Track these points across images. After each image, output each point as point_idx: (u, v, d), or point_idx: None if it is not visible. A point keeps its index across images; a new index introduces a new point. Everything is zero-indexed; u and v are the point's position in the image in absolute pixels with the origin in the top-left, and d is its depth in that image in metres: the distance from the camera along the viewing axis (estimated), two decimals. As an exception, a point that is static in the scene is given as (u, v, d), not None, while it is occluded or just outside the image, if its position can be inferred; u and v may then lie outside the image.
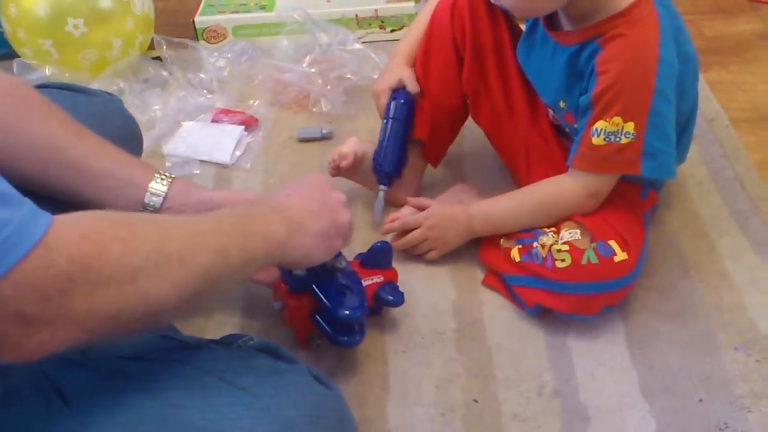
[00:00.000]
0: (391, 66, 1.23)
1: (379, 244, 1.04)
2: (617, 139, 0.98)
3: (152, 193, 0.96)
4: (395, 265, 1.07)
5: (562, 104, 1.08)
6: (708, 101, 1.44)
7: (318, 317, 0.95)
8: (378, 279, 1.02)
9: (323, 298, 0.93)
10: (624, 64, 0.96)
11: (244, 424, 0.72)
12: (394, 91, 1.20)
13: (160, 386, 0.75)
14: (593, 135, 0.99)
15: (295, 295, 0.95)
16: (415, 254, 1.15)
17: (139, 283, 0.65)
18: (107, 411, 0.72)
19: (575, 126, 1.05)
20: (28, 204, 0.60)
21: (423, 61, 1.19)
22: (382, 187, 1.20)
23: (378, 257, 1.04)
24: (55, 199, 0.95)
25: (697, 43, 1.57)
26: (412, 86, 1.19)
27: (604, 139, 0.99)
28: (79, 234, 0.63)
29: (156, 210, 0.97)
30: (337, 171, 1.20)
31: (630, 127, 0.97)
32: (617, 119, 0.97)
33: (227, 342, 0.84)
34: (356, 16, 1.70)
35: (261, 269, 0.89)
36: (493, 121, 1.21)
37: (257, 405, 0.74)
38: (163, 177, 0.98)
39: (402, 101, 1.19)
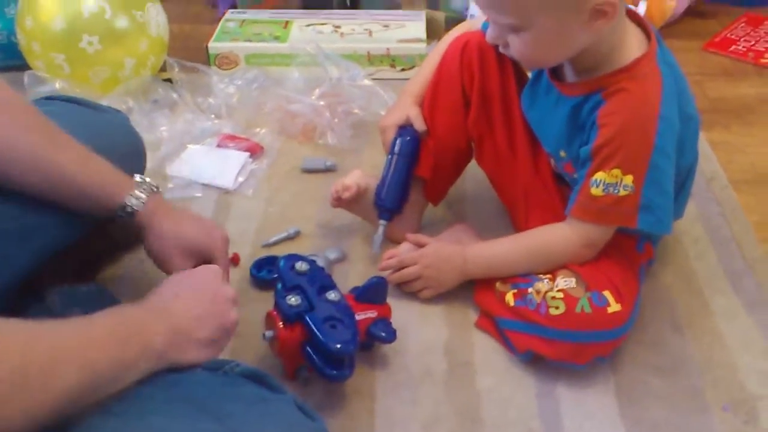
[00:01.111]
0: (400, 103, 1.25)
1: (374, 279, 1.05)
2: (616, 191, 0.99)
3: (133, 196, 0.99)
4: (390, 301, 1.07)
5: (562, 154, 1.09)
6: (708, 160, 1.46)
7: (309, 349, 0.95)
8: (371, 314, 1.02)
9: (315, 329, 0.93)
10: (625, 118, 0.98)
11: None
12: (401, 128, 1.21)
13: (144, 409, 0.74)
14: (592, 186, 1.00)
15: (288, 326, 0.95)
16: (409, 292, 1.15)
17: None
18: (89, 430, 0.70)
19: (575, 176, 1.06)
20: None
21: (431, 101, 1.21)
22: (382, 221, 1.21)
23: (373, 293, 1.04)
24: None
25: (700, 104, 1.60)
26: (419, 125, 1.21)
27: (603, 190, 1.00)
28: None
29: (133, 211, 0.99)
30: (339, 202, 1.21)
31: (629, 180, 0.98)
32: (616, 171, 0.98)
33: (214, 367, 0.83)
34: (368, 53, 1.72)
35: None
36: (496, 165, 1.22)
37: None
38: (144, 188, 1.00)
39: (408, 138, 1.20)
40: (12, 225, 0.94)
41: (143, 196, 0.99)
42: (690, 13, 1.99)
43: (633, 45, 1.00)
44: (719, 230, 1.30)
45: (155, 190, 1.02)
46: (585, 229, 1.04)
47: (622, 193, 0.99)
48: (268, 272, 1.16)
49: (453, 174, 1.27)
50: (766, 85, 1.74)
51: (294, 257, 1.04)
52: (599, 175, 1.00)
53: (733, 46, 1.88)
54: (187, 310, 0.85)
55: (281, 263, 1.02)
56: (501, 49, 1.03)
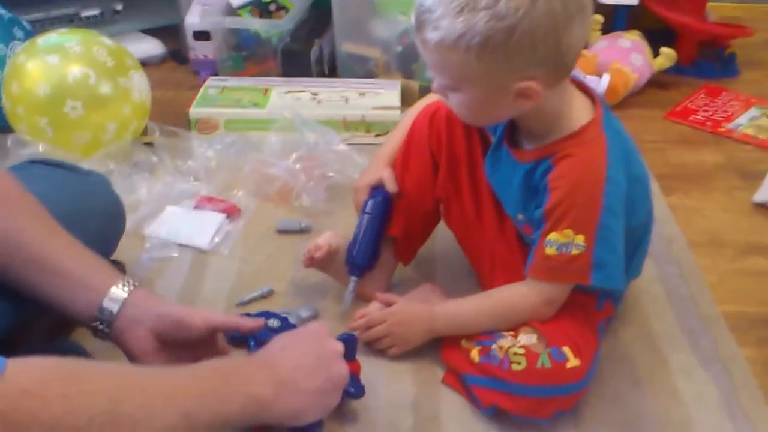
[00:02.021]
0: (373, 165, 1.30)
1: (344, 335, 1.08)
2: (569, 250, 1.04)
3: (111, 299, 0.95)
4: (359, 357, 1.10)
5: (520, 216, 1.15)
6: (668, 223, 1.52)
7: None
8: None
9: None
10: (574, 181, 1.04)
11: None
12: (373, 188, 1.27)
13: None
14: (547, 246, 1.06)
15: None
16: (378, 349, 1.19)
17: None
18: None
19: (532, 237, 1.11)
20: None
21: (402, 164, 1.27)
22: (353, 278, 1.25)
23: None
24: (22, 297, 0.96)
25: (662, 170, 1.69)
26: (391, 186, 1.26)
27: (557, 249, 1.05)
28: (20, 389, 0.60)
29: (112, 317, 0.95)
30: (311, 262, 1.25)
31: (580, 239, 1.04)
32: (568, 231, 1.04)
33: None
34: (344, 119, 1.79)
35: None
36: (463, 226, 1.27)
37: None
38: (126, 283, 0.97)
39: (380, 199, 1.25)
40: None
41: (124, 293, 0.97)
42: (652, 84, 2.07)
43: (579, 112, 1.06)
44: (678, 290, 1.35)
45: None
46: (543, 288, 1.09)
47: (575, 251, 1.04)
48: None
49: (423, 234, 1.32)
50: (723, 153, 1.82)
51: (268, 314, 1.08)
52: (552, 236, 1.05)
53: (693, 116, 1.97)
54: (292, 361, 0.86)
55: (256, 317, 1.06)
56: (444, 101, 1.10)
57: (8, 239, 0.93)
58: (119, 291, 0.96)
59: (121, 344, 0.96)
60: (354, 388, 1.05)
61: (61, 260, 0.94)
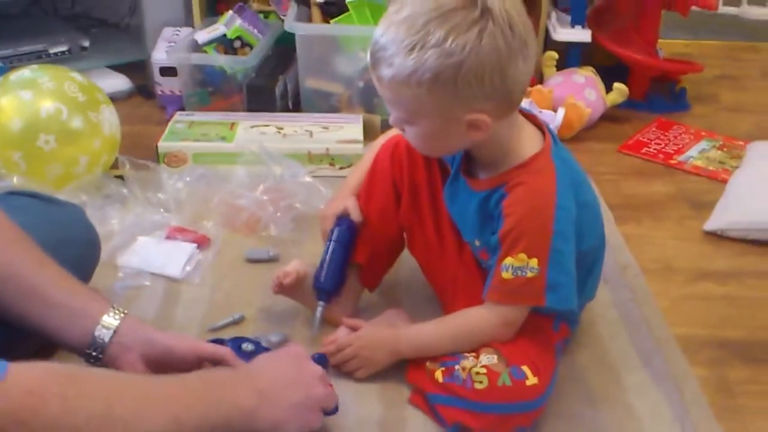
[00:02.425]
0: (339, 195, 1.35)
1: (316, 356, 1.13)
2: (523, 273, 1.10)
3: (103, 326, 0.99)
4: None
5: (477, 243, 1.21)
6: (622, 251, 1.59)
7: None
8: None
9: None
10: (526, 208, 1.10)
11: None
12: (339, 217, 1.31)
13: None
14: (503, 270, 1.11)
15: None
16: (345, 371, 1.22)
17: None
18: None
19: (489, 262, 1.17)
20: None
21: (366, 194, 1.32)
22: (320, 303, 1.29)
23: None
24: (6, 322, 1.00)
25: (615, 200, 1.77)
26: (356, 215, 1.31)
27: (512, 273, 1.10)
28: (23, 389, 0.65)
29: (104, 344, 0.99)
30: (280, 288, 1.29)
31: (534, 262, 1.09)
32: (522, 255, 1.09)
33: None
34: (309, 152, 1.84)
35: None
36: (426, 253, 1.33)
37: None
38: (116, 312, 1.01)
39: (345, 227, 1.30)
40: None
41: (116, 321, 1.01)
42: (606, 118, 2.16)
43: (529, 143, 1.13)
44: (631, 314, 1.41)
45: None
46: (501, 311, 1.14)
47: (530, 274, 1.10)
48: None
49: (388, 261, 1.37)
50: (674, 184, 1.90)
51: (241, 339, 1.12)
52: (508, 260, 1.10)
53: (645, 148, 2.06)
54: (273, 375, 0.92)
55: (228, 344, 1.10)
56: (402, 133, 1.16)
57: (4, 272, 0.97)
58: (111, 319, 1.00)
59: (113, 369, 0.99)
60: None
61: (52, 290, 0.99)
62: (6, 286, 0.97)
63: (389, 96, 1.07)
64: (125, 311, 1.02)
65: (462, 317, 1.19)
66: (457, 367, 1.14)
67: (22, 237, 1.01)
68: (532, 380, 1.11)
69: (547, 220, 1.09)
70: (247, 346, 1.09)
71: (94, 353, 1.00)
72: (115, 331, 0.99)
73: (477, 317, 1.17)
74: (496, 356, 1.13)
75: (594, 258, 1.24)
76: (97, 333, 0.99)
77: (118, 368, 0.99)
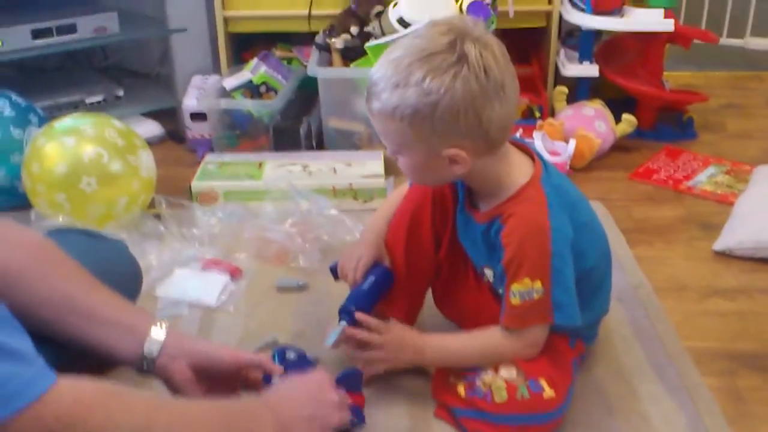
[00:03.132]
0: (375, 242, 1.35)
1: (350, 370, 1.20)
2: (531, 297, 1.17)
3: (152, 340, 1.09)
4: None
5: (487, 270, 1.28)
6: (634, 272, 1.67)
7: None
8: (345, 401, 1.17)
9: None
10: (521, 236, 1.16)
11: None
12: (377, 262, 1.33)
13: None
14: (511, 297, 1.18)
15: None
16: (364, 358, 1.26)
17: None
18: None
19: (500, 291, 1.23)
20: (39, 363, 0.72)
21: (406, 246, 1.34)
22: (342, 323, 1.27)
23: (347, 381, 1.19)
24: (65, 343, 1.09)
25: (626, 224, 1.84)
26: (388, 262, 1.35)
27: (520, 298, 1.17)
28: (72, 398, 0.73)
29: (155, 356, 1.09)
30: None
31: (538, 284, 1.16)
32: (527, 280, 1.16)
33: None
34: (333, 187, 1.93)
35: None
36: (447, 284, 1.39)
37: None
38: (162, 326, 1.11)
39: (385, 270, 1.33)
40: None
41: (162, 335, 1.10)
42: (616, 148, 2.24)
43: (519, 173, 1.20)
44: (645, 330, 1.48)
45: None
46: (521, 334, 1.21)
47: (536, 296, 1.17)
48: None
49: (423, 298, 1.41)
50: (684, 208, 1.97)
51: (286, 348, 1.22)
52: (514, 287, 1.17)
53: (655, 175, 2.13)
54: (296, 409, 1.00)
55: (275, 352, 1.21)
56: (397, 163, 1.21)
57: (62, 297, 1.07)
58: (159, 332, 1.10)
59: (165, 377, 1.10)
60: (357, 418, 1.17)
61: (105, 311, 1.09)
62: (65, 309, 1.07)
63: (379, 128, 1.16)
64: (169, 323, 1.13)
65: (489, 337, 1.24)
66: (478, 381, 1.21)
67: (76, 266, 1.11)
68: (549, 393, 1.18)
69: (544, 243, 1.16)
70: (290, 355, 1.18)
71: (145, 365, 1.10)
72: (163, 344, 1.09)
73: (500, 339, 1.22)
74: (514, 370, 1.20)
75: (601, 274, 1.31)
76: (146, 347, 1.09)
77: (169, 376, 1.09)
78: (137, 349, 1.09)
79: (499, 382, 1.19)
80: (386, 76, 1.10)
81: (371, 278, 1.32)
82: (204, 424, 0.86)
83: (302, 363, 1.19)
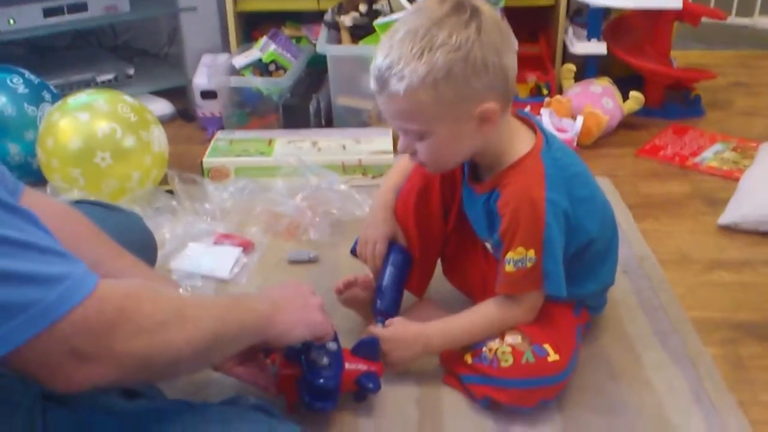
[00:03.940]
0: (383, 221, 1.38)
1: (368, 338, 1.24)
2: (524, 265, 1.19)
3: None
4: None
5: (489, 241, 1.30)
6: (640, 244, 1.69)
7: (301, 383, 1.14)
8: (362, 367, 1.20)
9: (306, 367, 1.12)
10: (515, 205, 1.19)
11: None
12: (392, 243, 1.36)
13: (168, 419, 0.92)
14: (506, 264, 1.21)
15: (288, 363, 1.15)
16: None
17: (163, 334, 0.84)
18: None
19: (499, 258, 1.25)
20: (82, 264, 0.79)
21: (416, 222, 1.37)
22: (380, 320, 1.31)
23: (364, 349, 1.22)
24: None
25: (633, 200, 1.87)
26: (404, 241, 1.37)
27: (514, 266, 1.20)
28: (122, 292, 0.82)
29: None
30: (341, 292, 1.39)
31: (531, 253, 1.19)
32: (521, 249, 1.19)
33: (229, 402, 1.02)
34: (342, 163, 1.96)
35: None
36: (457, 255, 1.41)
37: None
38: (186, 291, 1.18)
39: (399, 252, 1.36)
40: None
41: None
42: (623, 125, 2.26)
43: (520, 145, 1.22)
44: (649, 300, 1.51)
45: None
46: (516, 300, 1.24)
47: (529, 265, 1.19)
48: None
49: (432, 272, 1.45)
50: (690, 183, 1.99)
51: None
52: (509, 255, 1.20)
53: (662, 152, 2.15)
54: (281, 293, 1.10)
55: None
56: (410, 157, 1.22)
57: (90, 264, 1.08)
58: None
59: None
60: (372, 384, 1.20)
61: (130, 276, 1.11)
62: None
63: (403, 110, 1.13)
64: (192, 291, 1.15)
65: (486, 311, 1.27)
66: (484, 348, 1.24)
67: (101, 233, 1.14)
68: (553, 357, 1.21)
69: (539, 213, 1.18)
70: None
71: None
72: None
73: (497, 309, 1.26)
74: (519, 336, 1.23)
75: (604, 246, 1.32)
76: None
77: None
78: None
79: (505, 347, 1.22)
80: (404, 52, 1.10)
81: (391, 269, 1.35)
82: (220, 307, 0.96)
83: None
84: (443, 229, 1.40)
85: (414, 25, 1.11)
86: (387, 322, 1.32)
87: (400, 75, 1.10)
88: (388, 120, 1.20)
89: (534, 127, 1.26)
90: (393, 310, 1.35)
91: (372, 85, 1.15)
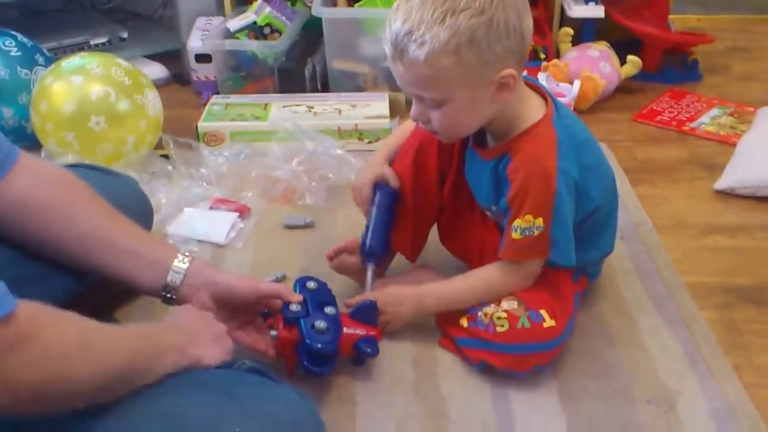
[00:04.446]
0: (372, 165, 1.39)
1: (366, 303, 1.24)
2: (531, 233, 1.19)
3: (174, 271, 1.13)
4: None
5: (493, 208, 1.29)
6: (636, 210, 1.69)
7: (299, 347, 1.14)
8: (360, 332, 1.21)
9: (304, 331, 1.13)
10: (527, 172, 1.18)
11: (240, 421, 0.89)
12: (377, 184, 1.36)
13: (168, 390, 0.92)
14: (513, 231, 1.20)
15: (287, 327, 1.15)
16: None
17: (64, 364, 0.79)
18: (113, 410, 0.88)
19: (503, 224, 1.25)
20: (1, 286, 0.75)
21: (413, 178, 1.36)
22: (370, 265, 1.34)
23: (363, 313, 1.23)
24: (86, 274, 1.14)
25: (630, 165, 1.87)
26: (394, 182, 1.36)
27: (521, 233, 1.19)
28: (28, 314, 0.77)
29: (177, 286, 1.13)
30: (334, 254, 1.40)
31: (540, 221, 1.18)
32: (529, 216, 1.18)
33: (225, 366, 1.02)
34: (338, 128, 1.95)
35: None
36: (454, 220, 1.41)
37: (249, 408, 0.91)
38: (185, 255, 1.15)
39: (385, 193, 1.36)
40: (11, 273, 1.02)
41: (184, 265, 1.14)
42: (620, 90, 2.25)
43: (533, 111, 1.20)
44: (645, 265, 1.51)
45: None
46: (517, 267, 1.24)
47: (536, 233, 1.19)
48: None
49: (426, 234, 1.44)
50: (687, 148, 1.99)
51: (308, 278, 1.25)
52: (516, 222, 1.19)
53: (659, 117, 2.15)
54: (189, 322, 1.06)
55: (296, 281, 1.24)
56: (422, 125, 1.21)
57: (86, 228, 1.10)
58: (180, 264, 1.14)
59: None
60: (369, 348, 1.20)
61: (127, 241, 1.12)
62: (88, 239, 1.10)
63: (423, 78, 1.10)
64: (192, 255, 1.15)
65: (483, 275, 1.28)
66: (479, 313, 1.24)
67: (97, 197, 1.13)
68: (549, 323, 1.21)
69: (549, 182, 1.17)
70: (311, 285, 1.22)
71: (168, 295, 1.14)
72: (185, 275, 1.13)
73: (497, 275, 1.26)
74: (515, 302, 1.23)
75: (607, 214, 1.32)
76: (169, 277, 1.13)
77: (193, 305, 1.12)
78: (160, 280, 1.13)
79: (500, 313, 1.22)
80: (424, 16, 1.06)
81: (375, 210, 1.35)
82: (128, 338, 0.92)
83: (323, 293, 1.23)
84: (439, 195, 1.39)
85: None
86: (379, 281, 1.33)
87: (420, 41, 1.07)
88: (403, 88, 1.17)
89: (544, 94, 1.24)
90: (380, 250, 1.35)
91: (388, 51, 1.12)
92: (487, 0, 1.06)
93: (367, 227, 1.36)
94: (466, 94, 1.13)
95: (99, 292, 1.31)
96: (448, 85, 1.12)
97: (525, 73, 1.23)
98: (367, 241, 1.35)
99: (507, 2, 1.08)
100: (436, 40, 1.07)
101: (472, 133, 1.27)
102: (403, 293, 1.31)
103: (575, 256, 1.24)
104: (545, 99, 1.24)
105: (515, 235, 1.20)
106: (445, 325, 1.31)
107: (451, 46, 1.07)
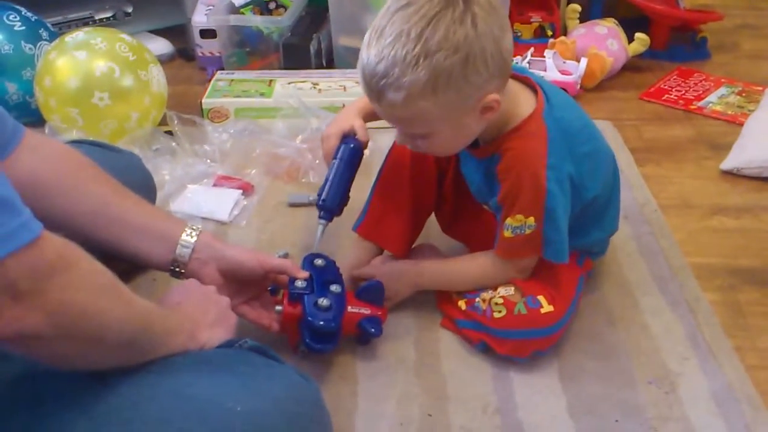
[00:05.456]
0: (344, 115, 1.36)
1: (371, 283, 1.24)
2: (522, 232, 1.18)
3: (182, 245, 1.13)
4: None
5: (489, 203, 1.27)
6: (641, 190, 1.68)
7: (302, 324, 1.15)
8: (365, 311, 1.21)
9: (307, 308, 1.13)
10: (516, 172, 1.15)
11: (243, 400, 0.90)
12: (345, 136, 1.32)
13: (174, 368, 0.92)
14: (505, 230, 1.19)
15: (291, 303, 1.15)
16: None
17: (101, 297, 0.80)
18: (116, 388, 0.88)
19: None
20: (28, 211, 0.75)
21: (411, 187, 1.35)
22: (321, 221, 1.31)
23: (368, 294, 1.23)
24: (94, 249, 1.14)
25: (636, 144, 1.85)
26: (363, 135, 1.33)
27: (512, 232, 1.18)
28: (62, 242, 0.77)
29: (186, 260, 1.13)
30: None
31: (531, 220, 1.17)
32: (520, 216, 1.17)
33: (227, 344, 1.02)
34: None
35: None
36: (455, 208, 1.40)
37: (252, 387, 0.92)
38: (193, 230, 1.15)
39: (351, 146, 1.31)
40: None
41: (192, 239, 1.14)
42: (628, 68, 2.23)
43: (521, 107, 1.17)
44: (649, 246, 1.51)
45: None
46: (513, 262, 1.24)
47: (528, 231, 1.18)
48: None
49: (420, 230, 1.42)
50: (694, 128, 1.97)
51: (316, 255, 1.25)
52: (508, 221, 1.18)
53: (666, 95, 2.13)
54: (191, 306, 1.05)
55: (304, 258, 1.24)
56: (410, 148, 1.20)
57: (96, 204, 1.10)
58: (188, 238, 1.14)
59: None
60: (373, 328, 1.21)
61: (138, 217, 1.12)
62: (98, 216, 1.10)
63: (404, 117, 1.09)
64: (200, 229, 1.15)
65: (480, 260, 1.27)
66: (477, 298, 1.25)
67: (101, 173, 1.13)
68: (547, 308, 1.21)
69: (539, 181, 1.14)
70: (318, 262, 1.22)
71: (177, 269, 1.14)
72: (193, 249, 1.13)
73: (494, 266, 1.25)
74: (513, 288, 1.23)
75: (608, 197, 1.31)
76: (178, 251, 1.13)
77: (201, 280, 1.13)
78: (169, 254, 1.13)
79: (498, 298, 1.22)
80: (397, 58, 1.02)
81: (337, 162, 1.31)
82: (145, 313, 0.91)
83: (330, 270, 1.23)
84: (436, 191, 1.38)
85: (404, 26, 1.02)
86: (374, 260, 1.33)
87: (396, 85, 1.03)
88: (387, 121, 1.15)
89: (534, 85, 1.21)
90: (335, 206, 1.31)
91: (364, 89, 1.10)
92: (461, 36, 1.02)
93: (326, 180, 1.32)
94: (449, 125, 1.11)
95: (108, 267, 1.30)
96: (429, 122, 1.10)
97: (531, 50, 1.21)
98: (323, 195, 1.31)
99: (481, 32, 1.03)
100: (414, 84, 1.03)
101: (464, 147, 1.24)
102: (400, 269, 1.31)
103: (578, 240, 1.24)
104: (535, 90, 1.21)
105: (507, 234, 1.19)
106: (446, 307, 1.32)
107: (428, 89, 1.04)
